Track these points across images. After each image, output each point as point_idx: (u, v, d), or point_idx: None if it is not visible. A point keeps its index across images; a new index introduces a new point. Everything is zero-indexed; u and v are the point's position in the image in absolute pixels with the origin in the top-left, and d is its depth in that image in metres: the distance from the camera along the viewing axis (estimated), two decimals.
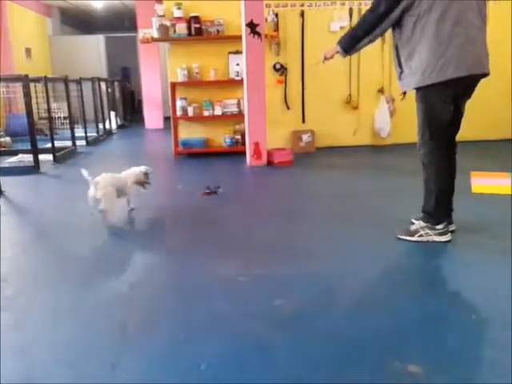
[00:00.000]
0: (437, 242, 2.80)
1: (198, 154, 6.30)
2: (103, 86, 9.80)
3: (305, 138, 6.56)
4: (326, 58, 3.04)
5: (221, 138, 6.47)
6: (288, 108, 6.60)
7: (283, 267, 2.59)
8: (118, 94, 11.25)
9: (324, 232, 3.19)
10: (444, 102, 2.67)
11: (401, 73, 2.80)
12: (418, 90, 2.73)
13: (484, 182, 4.14)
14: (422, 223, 2.85)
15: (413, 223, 2.92)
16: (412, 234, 2.86)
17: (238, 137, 6.33)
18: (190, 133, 6.47)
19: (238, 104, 6.23)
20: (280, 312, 2.09)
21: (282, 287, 2.34)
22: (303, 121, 6.66)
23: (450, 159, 2.83)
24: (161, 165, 5.93)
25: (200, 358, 1.75)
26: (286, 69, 6.46)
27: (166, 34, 6.08)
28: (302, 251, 2.86)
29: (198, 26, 6.03)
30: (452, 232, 2.87)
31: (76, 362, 1.77)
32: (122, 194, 3.58)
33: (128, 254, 2.90)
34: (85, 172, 3.28)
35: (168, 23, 6.03)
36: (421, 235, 2.83)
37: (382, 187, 4.34)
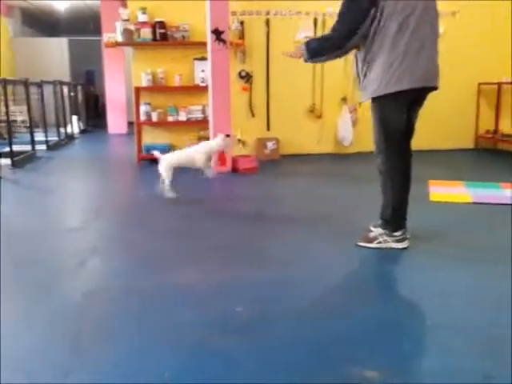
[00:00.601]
0: (394, 248, 2.86)
1: None
2: (65, 89, 9.62)
3: (270, 145, 6.60)
4: (291, 56, 3.01)
5: (185, 143, 6.42)
6: (253, 115, 6.63)
7: (244, 273, 2.59)
8: (80, 97, 11.05)
9: (286, 238, 3.20)
10: (399, 112, 2.75)
11: (360, 83, 2.86)
12: (374, 99, 2.79)
13: (441, 191, 4.26)
14: (380, 230, 2.90)
15: (371, 230, 2.97)
16: (371, 240, 2.91)
17: None
18: (153, 138, 6.41)
19: (203, 110, 6.22)
20: (240, 318, 2.09)
21: (242, 293, 2.34)
22: (268, 128, 6.71)
23: (405, 167, 2.89)
24: (123, 170, 5.84)
25: (159, 367, 1.72)
26: (251, 76, 6.50)
27: (130, 39, 6.02)
28: (263, 257, 2.86)
29: (163, 31, 6.00)
30: (407, 239, 2.93)
31: (31, 370, 1.72)
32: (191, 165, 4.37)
33: (82, 259, 2.84)
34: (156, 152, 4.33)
35: (132, 27, 5.97)
36: (379, 242, 2.88)
37: (343, 194, 4.41)
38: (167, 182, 4.12)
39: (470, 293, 2.34)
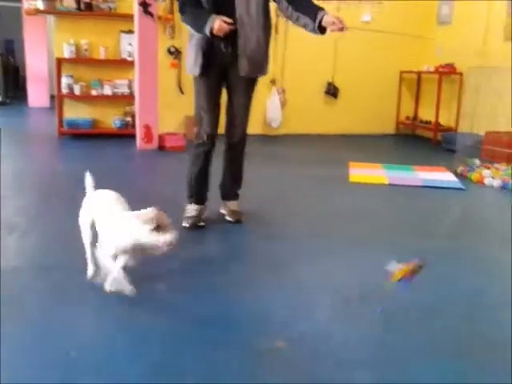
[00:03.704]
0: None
1: (84, 136, 6.00)
2: None
3: None
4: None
5: (110, 119, 6.22)
6: (182, 93, 6.52)
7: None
8: None
9: None
10: None
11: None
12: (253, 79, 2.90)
13: (360, 172, 4.43)
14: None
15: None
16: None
17: (129, 119, 6.13)
18: (76, 113, 6.14)
19: (130, 85, 6.03)
20: (159, 297, 2.08)
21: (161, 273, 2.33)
22: None
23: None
24: (42, 146, 5.57)
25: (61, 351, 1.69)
26: (180, 53, 6.37)
27: (52, 7, 5.73)
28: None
29: (87, 0, 5.73)
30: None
31: None
32: None
33: None
34: None
35: None
36: None
37: (267, 175, 4.46)
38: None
39: None
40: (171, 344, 1.74)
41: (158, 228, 1.79)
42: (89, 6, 5.76)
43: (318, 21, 2.54)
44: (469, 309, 2.06)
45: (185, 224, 2.86)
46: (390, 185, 4.12)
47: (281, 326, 1.88)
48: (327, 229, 3.01)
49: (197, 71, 2.79)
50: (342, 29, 2.52)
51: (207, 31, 2.55)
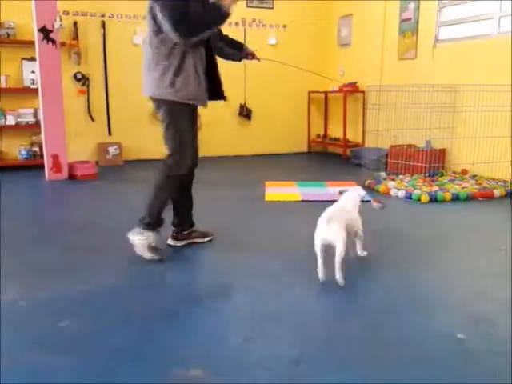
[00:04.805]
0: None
1: None
2: None
3: (112, 150, 6.39)
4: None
5: (16, 150, 5.92)
6: (92, 119, 6.36)
7: (70, 286, 2.47)
8: None
9: (111, 244, 3.11)
10: None
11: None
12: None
13: (275, 191, 4.54)
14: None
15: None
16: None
17: (36, 149, 5.88)
18: None
19: (35, 114, 5.79)
20: (65, 334, 1.98)
21: (68, 308, 2.22)
22: (109, 133, 6.48)
23: None
24: None
25: None
26: (88, 79, 6.22)
27: None
28: (88, 267, 2.75)
29: None
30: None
31: None
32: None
33: None
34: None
35: None
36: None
37: None
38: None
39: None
40: None
41: None
42: None
43: (244, 53, 3.10)
44: (376, 314, 2.16)
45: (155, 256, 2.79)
46: (302, 201, 4.25)
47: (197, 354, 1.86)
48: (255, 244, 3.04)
49: (205, 99, 2.83)
50: (257, 59, 3.19)
51: (226, 13, 2.59)
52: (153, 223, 2.82)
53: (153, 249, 2.82)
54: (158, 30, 2.61)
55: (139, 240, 2.80)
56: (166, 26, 2.53)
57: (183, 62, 2.65)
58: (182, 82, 2.67)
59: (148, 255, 2.79)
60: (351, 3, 6.92)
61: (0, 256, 2.87)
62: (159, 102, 2.76)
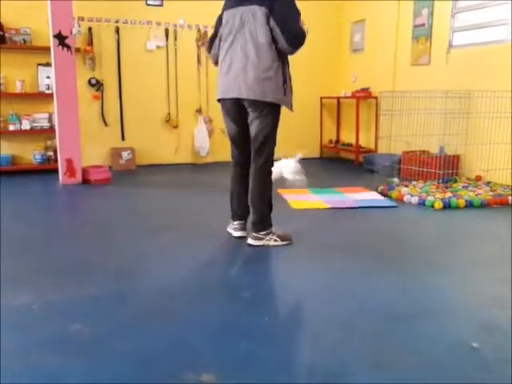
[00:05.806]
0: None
1: (3, 173, 5.72)
2: None
3: (125, 155, 6.44)
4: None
5: (30, 154, 5.99)
6: (106, 125, 6.42)
7: (83, 289, 2.49)
8: None
9: (134, 248, 3.14)
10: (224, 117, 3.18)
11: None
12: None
13: (295, 198, 4.50)
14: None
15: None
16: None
17: (51, 153, 5.94)
18: None
19: (50, 118, 5.86)
20: (76, 337, 1.99)
21: (80, 311, 2.24)
22: (123, 138, 6.54)
23: (240, 178, 3.22)
24: None
25: None
26: (102, 84, 6.29)
27: None
28: (107, 270, 2.77)
29: (0, 33, 5.54)
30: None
31: None
32: None
33: None
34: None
35: None
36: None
37: (197, 202, 4.46)
38: None
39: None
40: None
41: None
42: (1, 39, 5.57)
43: None
44: (384, 322, 2.14)
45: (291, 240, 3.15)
46: (330, 208, 4.22)
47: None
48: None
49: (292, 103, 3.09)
50: None
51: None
52: (269, 221, 3.11)
53: (284, 236, 3.12)
54: (272, 40, 2.90)
55: (270, 241, 3.07)
56: (282, 38, 2.87)
57: (288, 70, 3.04)
58: (289, 89, 3.03)
59: (287, 242, 3.11)
60: (364, 8, 6.91)
61: (0, 258, 2.87)
62: (272, 107, 2.98)
